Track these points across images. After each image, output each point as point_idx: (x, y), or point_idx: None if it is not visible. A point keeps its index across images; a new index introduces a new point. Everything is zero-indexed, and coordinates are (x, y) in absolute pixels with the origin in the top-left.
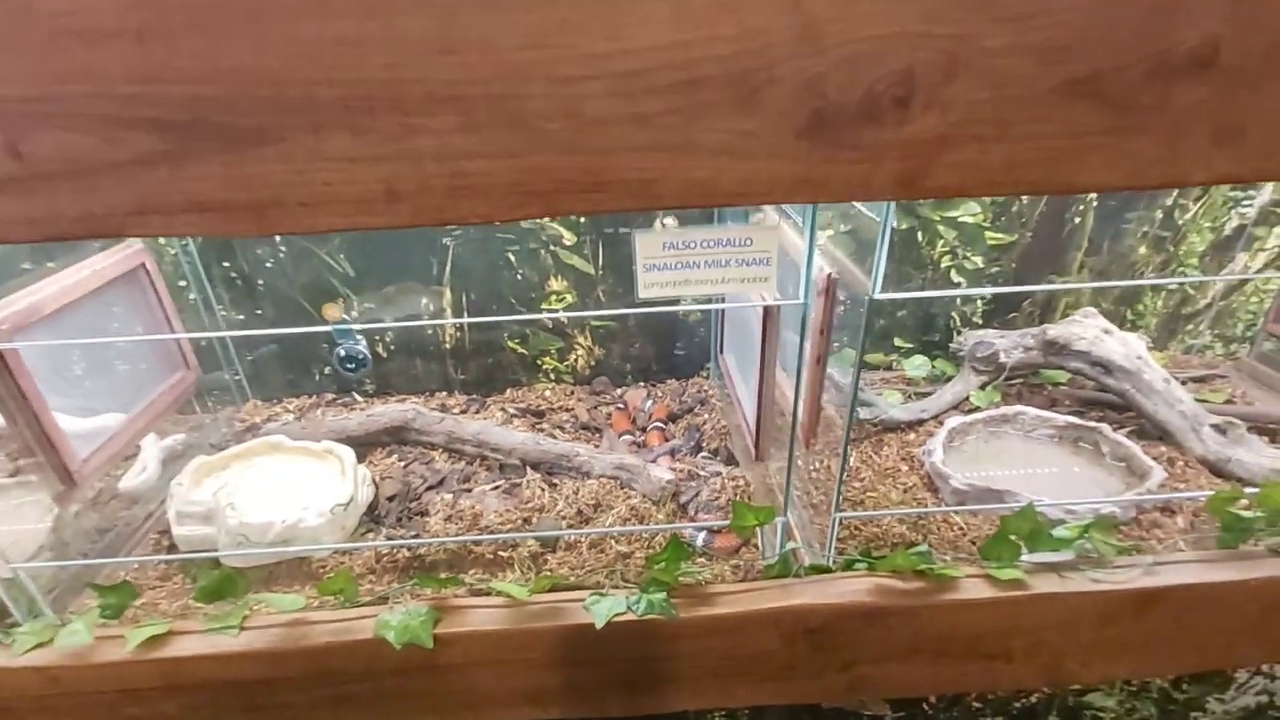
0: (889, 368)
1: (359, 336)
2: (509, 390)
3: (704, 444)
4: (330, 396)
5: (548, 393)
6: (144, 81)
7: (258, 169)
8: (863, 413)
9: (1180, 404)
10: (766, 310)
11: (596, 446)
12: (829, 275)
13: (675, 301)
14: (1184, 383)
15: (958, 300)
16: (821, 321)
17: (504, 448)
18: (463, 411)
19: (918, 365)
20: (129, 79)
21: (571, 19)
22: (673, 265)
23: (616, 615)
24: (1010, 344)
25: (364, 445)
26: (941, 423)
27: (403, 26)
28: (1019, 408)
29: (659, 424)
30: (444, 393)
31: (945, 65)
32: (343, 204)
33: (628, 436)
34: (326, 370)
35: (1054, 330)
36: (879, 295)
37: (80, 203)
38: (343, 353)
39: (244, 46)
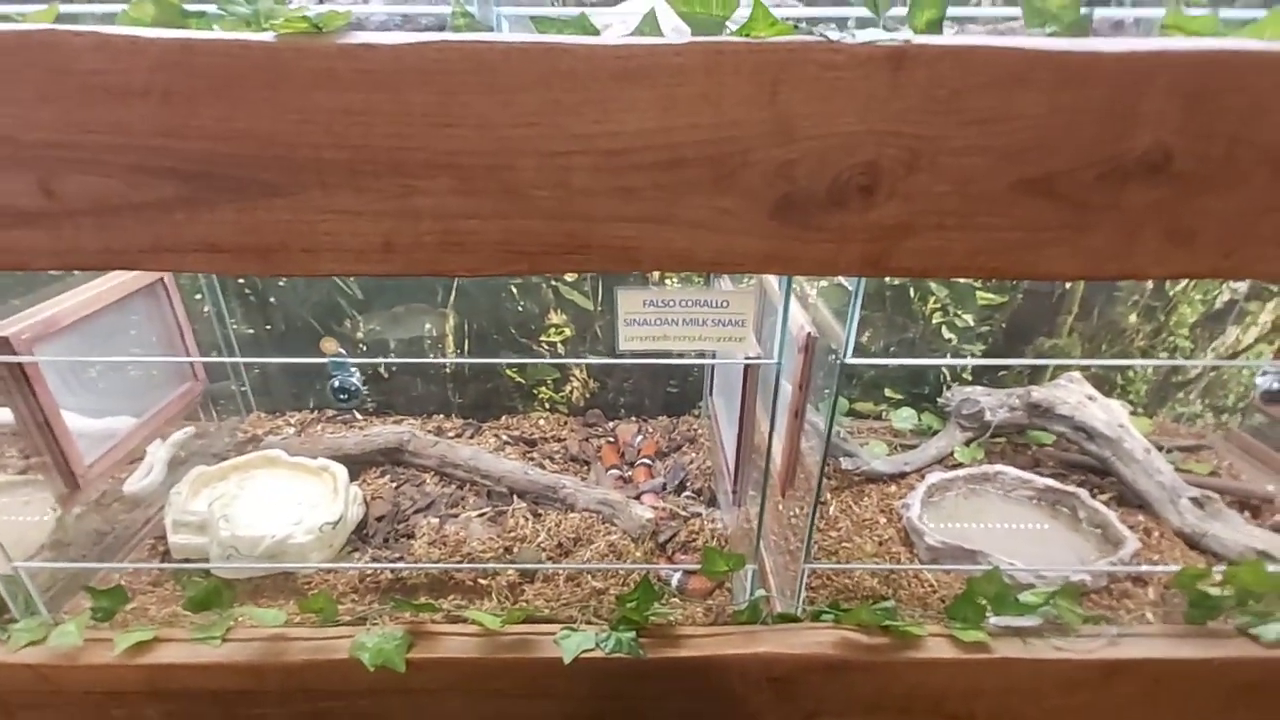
0: (878, 417)
1: (353, 369)
2: (505, 416)
3: (688, 483)
4: (331, 412)
5: (542, 421)
6: (166, 136)
7: (267, 217)
8: (846, 463)
9: (1160, 474)
10: (747, 366)
11: (583, 479)
12: (808, 334)
13: (657, 355)
14: (1169, 451)
15: (948, 354)
16: (800, 378)
17: (493, 475)
18: (458, 436)
19: (905, 417)
20: (153, 133)
21: (563, 102)
22: (653, 321)
23: (585, 651)
24: (996, 402)
25: (359, 464)
26: (923, 477)
27: (407, 100)
28: (999, 467)
29: (646, 460)
30: (442, 415)
31: (908, 160)
32: (343, 252)
33: (615, 471)
34: (333, 383)
35: (1038, 393)
36: (850, 360)
37: (101, 238)
38: (336, 383)
39: (260, 112)
